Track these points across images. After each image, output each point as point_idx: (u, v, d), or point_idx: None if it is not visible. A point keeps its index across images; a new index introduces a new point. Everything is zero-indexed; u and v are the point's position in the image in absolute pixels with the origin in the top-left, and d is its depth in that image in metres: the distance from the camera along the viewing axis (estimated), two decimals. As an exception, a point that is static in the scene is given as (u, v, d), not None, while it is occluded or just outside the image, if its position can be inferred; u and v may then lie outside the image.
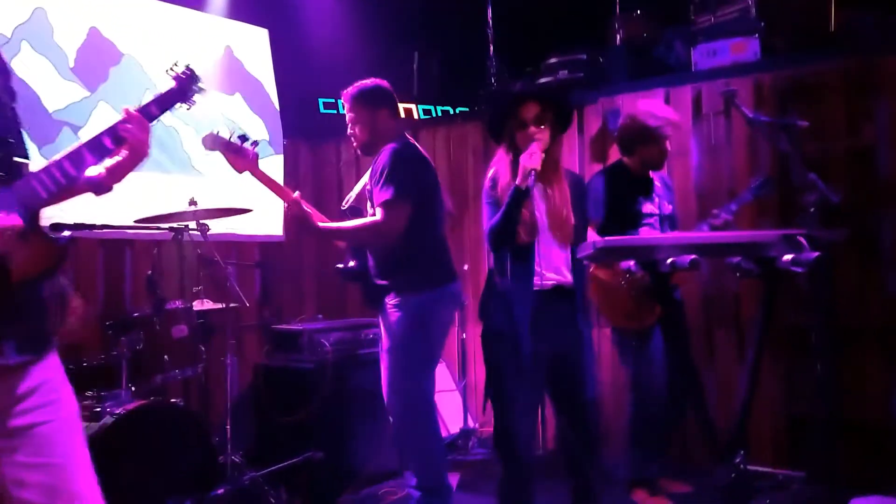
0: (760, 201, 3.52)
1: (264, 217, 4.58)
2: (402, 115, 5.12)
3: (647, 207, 3.20)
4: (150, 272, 2.96)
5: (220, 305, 3.21)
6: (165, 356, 2.88)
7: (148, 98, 1.81)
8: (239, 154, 2.61)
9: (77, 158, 1.60)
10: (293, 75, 4.92)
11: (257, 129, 4.64)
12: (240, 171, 2.67)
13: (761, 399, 3.42)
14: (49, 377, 1.56)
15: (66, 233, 1.62)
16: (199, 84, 1.88)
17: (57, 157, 1.59)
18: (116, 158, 1.70)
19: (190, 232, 3.15)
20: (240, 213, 3.11)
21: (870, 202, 3.26)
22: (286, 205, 2.71)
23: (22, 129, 1.63)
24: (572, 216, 2.54)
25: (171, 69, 1.85)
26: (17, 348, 1.49)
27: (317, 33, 5.04)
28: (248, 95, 4.68)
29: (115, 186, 1.76)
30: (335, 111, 5.09)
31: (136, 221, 3.04)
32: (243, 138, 2.62)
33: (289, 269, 4.80)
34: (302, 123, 5.01)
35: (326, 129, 5.07)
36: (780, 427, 3.47)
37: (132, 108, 1.72)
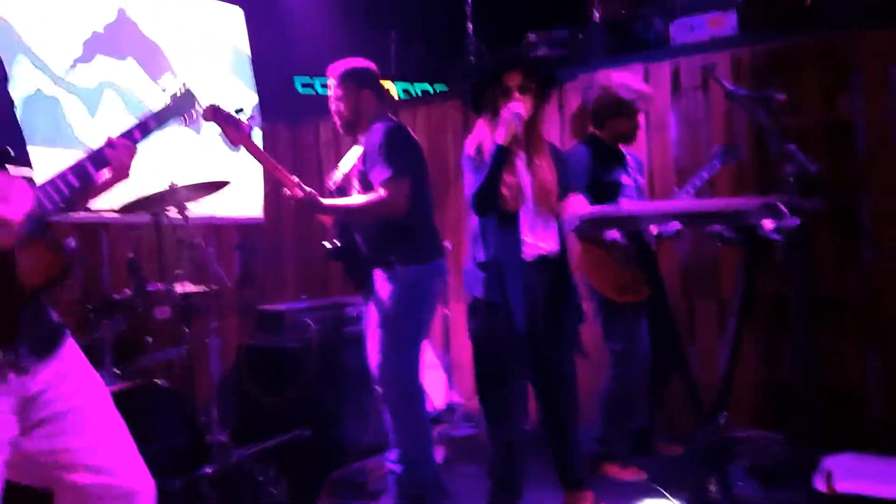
0: (740, 177, 3.58)
1: (243, 198, 4.55)
2: (384, 97, 5.12)
3: (625, 179, 3.22)
4: (131, 255, 2.93)
5: (201, 288, 3.19)
6: (148, 338, 2.86)
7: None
8: (236, 127, 2.60)
9: (82, 172, 1.64)
10: (269, 55, 4.86)
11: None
12: (235, 145, 2.67)
13: (741, 367, 3.46)
14: (68, 365, 1.60)
15: (73, 242, 1.63)
16: (196, 102, 1.93)
17: (61, 170, 1.62)
18: (98, 176, 1.72)
19: (169, 215, 3.11)
20: (219, 188, 3.07)
21: (846, 174, 3.32)
22: (287, 188, 2.71)
23: (24, 137, 1.65)
24: (557, 186, 2.57)
25: (168, 87, 1.90)
26: (31, 351, 1.53)
27: (293, 12, 4.98)
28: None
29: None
30: (313, 91, 5.05)
31: (118, 209, 3.00)
32: (239, 111, 2.62)
33: (269, 250, 4.77)
34: (279, 104, 4.95)
35: (304, 109, 5.02)
36: (759, 394, 3.55)
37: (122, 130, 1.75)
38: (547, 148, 2.63)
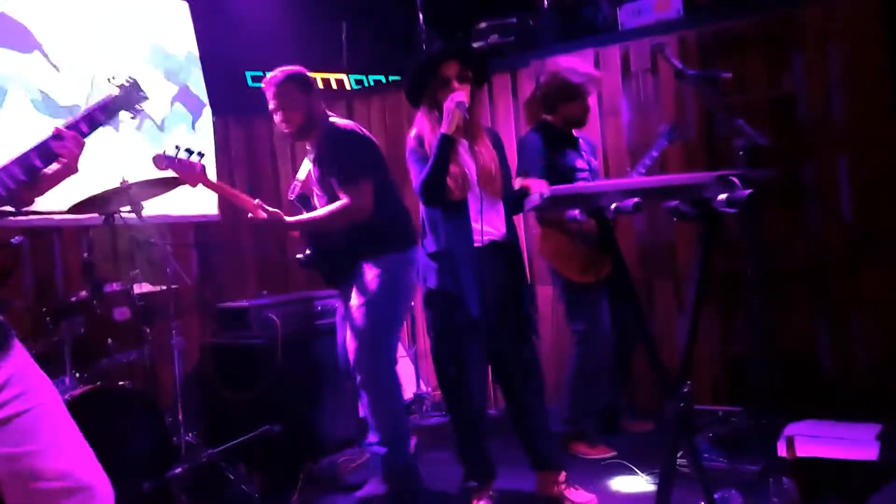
0: (689, 155, 3.68)
1: (197, 196, 4.46)
2: (335, 87, 5.09)
3: (579, 163, 3.27)
4: (85, 255, 2.86)
5: (160, 287, 3.13)
6: (109, 340, 2.80)
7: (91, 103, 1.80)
8: (189, 169, 2.65)
9: (26, 164, 1.58)
10: (217, 49, 4.78)
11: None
12: (193, 185, 2.72)
13: (699, 342, 3.58)
14: (16, 369, 1.54)
15: (19, 237, 1.58)
16: (143, 93, 1.88)
17: (5, 162, 1.57)
18: (45, 173, 1.66)
19: (123, 214, 3.05)
20: (173, 185, 3.01)
21: (792, 149, 3.43)
22: (250, 211, 2.72)
23: None
24: (499, 171, 2.62)
25: (113, 79, 1.84)
26: None
27: (240, 4, 4.90)
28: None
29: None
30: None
31: (68, 209, 2.92)
32: (188, 151, 2.65)
33: (227, 247, 4.71)
34: (230, 99, 4.87)
35: (256, 103, 4.93)
36: (717, 368, 3.66)
37: (66, 121, 1.69)
38: (485, 133, 2.67)
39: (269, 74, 2.85)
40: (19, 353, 1.58)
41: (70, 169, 1.69)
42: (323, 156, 2.77)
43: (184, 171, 2.66)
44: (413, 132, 2.64)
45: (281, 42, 4.84)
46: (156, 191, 3.06)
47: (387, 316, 2.80)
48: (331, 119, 2.87)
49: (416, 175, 2.57)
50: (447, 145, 2.47)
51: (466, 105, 2.48)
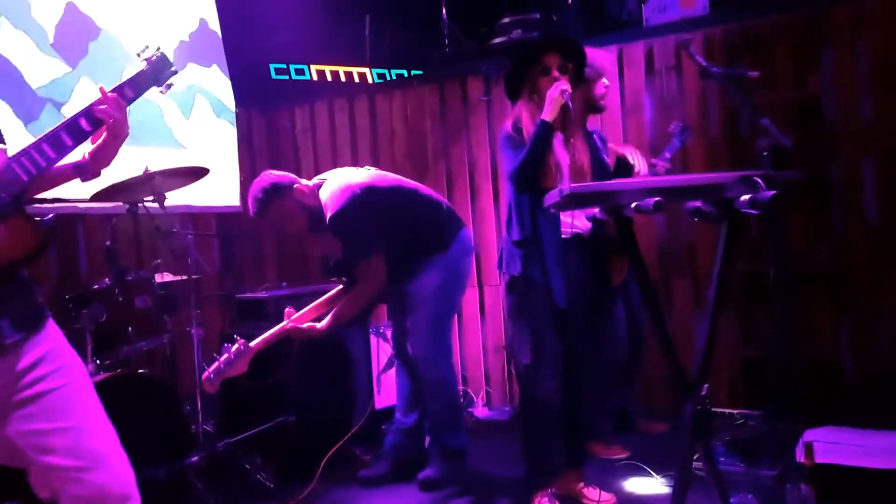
0: (712, 155, 3.64)
1: (220, 187, 4.50)
2: (357, 80, 5.10)
3: None
4: (108, 243, 2.89)
5: (181, 277, 3.16)
6: (129, 328, 2.83)
7: (125, 76, 1.76)
8: (237, 360, 2.59)
9: (56, 141, 1.58)
10: (242, 41, 4.80)
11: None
12: (248, 366, 2.65)
13: (717, 344, 3.54)
14: (51, 346, 1.57)
15: (51, 214, 1.58)
16: (172, 68, 1.83)
17: (36, 139, 1.57)
18: (98, 143, 1.66)
19: (146, 204, 3.07)
20: (197, 175, 3.03)
21: (817, 151, 3.38)
22: (291, 335, 2.76)
23: None
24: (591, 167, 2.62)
25: (142, 52, 1.80)
26: (13, 326, 1.50)
27: (266, -2, 4.93)
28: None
29: (103, 171, 1.72)
30: (287, 77, 5.01)
31: (91, 196, 2.95)
32: (226, 348, 2.60)
33: (248, 238, 4.74)
34: (254, 91, 4.90)
35: (279, 95, 4.97)
36: (735, 370, 3.62)
37: (107, 89, 1.68)
38: (581, 130, 2.66)
39: (249, 208, 2.89)
40: (54, 332, 1.60)
41: (118, 135, 1.66)
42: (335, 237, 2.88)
43: (238, 364, 2.59)
44: (509, 120, 2.64)
45: (304, 35, 4.86)
46: (179, 181, 3.09)
47: (445, 306, 2.94)
48: (322, 201, 2.85)
49: (509, 161, 2.57)
50: (546, 131, 2.47)
51: (570, 93, 2.47)
